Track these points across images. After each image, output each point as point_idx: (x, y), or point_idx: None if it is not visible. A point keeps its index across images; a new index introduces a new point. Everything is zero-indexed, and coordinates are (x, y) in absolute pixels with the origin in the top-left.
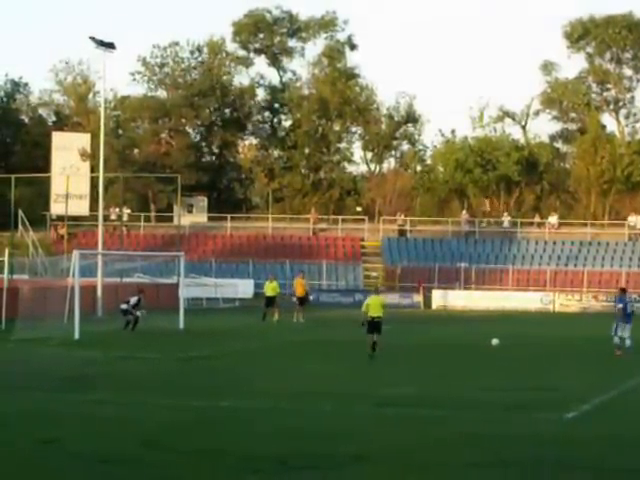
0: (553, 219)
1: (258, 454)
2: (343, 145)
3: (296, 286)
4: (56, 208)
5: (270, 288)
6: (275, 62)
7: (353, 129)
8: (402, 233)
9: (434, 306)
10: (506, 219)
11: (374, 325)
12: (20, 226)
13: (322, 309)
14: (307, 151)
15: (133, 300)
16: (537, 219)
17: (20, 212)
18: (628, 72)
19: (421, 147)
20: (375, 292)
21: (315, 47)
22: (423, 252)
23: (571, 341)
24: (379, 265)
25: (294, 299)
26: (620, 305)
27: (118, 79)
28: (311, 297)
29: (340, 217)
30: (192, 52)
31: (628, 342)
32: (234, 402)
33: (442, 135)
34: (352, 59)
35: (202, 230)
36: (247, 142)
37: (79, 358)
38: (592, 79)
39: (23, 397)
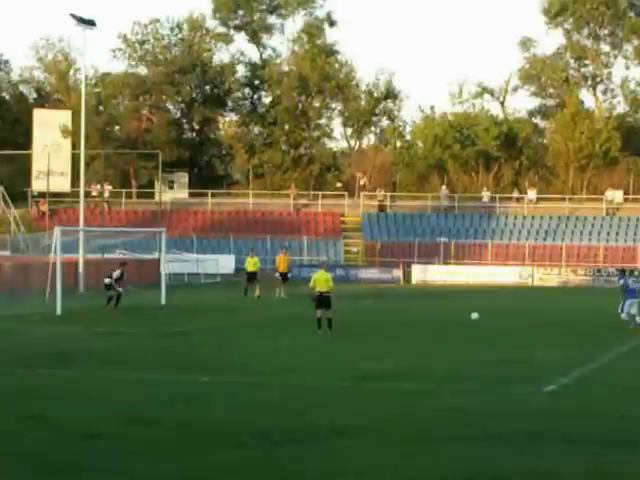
0: (532, 194)
1: (241, 429)
2: (323, 121)
3: (279, 262)
4: (37, 185)
5: (251, 263)
6: (255, 39)
7: (333, 105)
8: (382, 209)
9: (414, 281)
10: (485, 194)
11: (322, 300)
12: (1, 203)
13: (303, 284)
14: (287, 127)
15: (116, 273)
16: (516, 194)
17: (1, 189)
18: (606, 48)
19: (400, 123)
20: (322, 267)
21: (294, 24)
22: (403, 227)
23: (550, 315)
24: (359, 240)
25: (277, 275)
26: (621, 281)
27: (99, 56)
28: (289, 275)
29: (320, 193)
30: (172, 29)
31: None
32: (216, 377)
33: (421, 111)
34: (331, 36)
35: (183, 206)
36: (227, 118)
37: (61, 334)
38: (570, 55)
39: (5, 373)
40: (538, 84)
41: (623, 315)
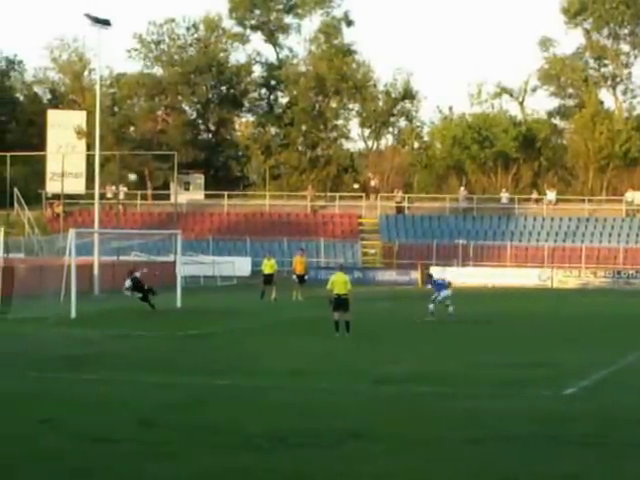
0: (551, 195)
1: (257, 432)
2: (340, 122)
3: (296, 264)
4: (52, 186)
5: (268, 266)
6: (271, 39)
7: (350, 106)
8: (400, 210)
9: None
10: (504, 195)
11: (340, 302)
12: (16, 205)
13: (320, 287)
14: (304, 128)
15: (127, 283)
16: (535, 195)
17: (16, 190)
18: (625, 48)
19: (418, 124)
20: (340, 269)
21: (311, 24)
22: (421, 229)
23: (570, 317)
24: (377, 242)
25: (294, 277)
26: (429, 286)
27: (114, 56)
28: (306, 277)
29: (337, 194)
30: (188, 29)
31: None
32: (232, 380)
33: (440, 112)
34: (348, 35)
35: (199, 208)
36: (244, 119)
37: (75, 337)
38: (589, 55)
39: (19, 376)
40: (557, 84)
41: (431, 306)
